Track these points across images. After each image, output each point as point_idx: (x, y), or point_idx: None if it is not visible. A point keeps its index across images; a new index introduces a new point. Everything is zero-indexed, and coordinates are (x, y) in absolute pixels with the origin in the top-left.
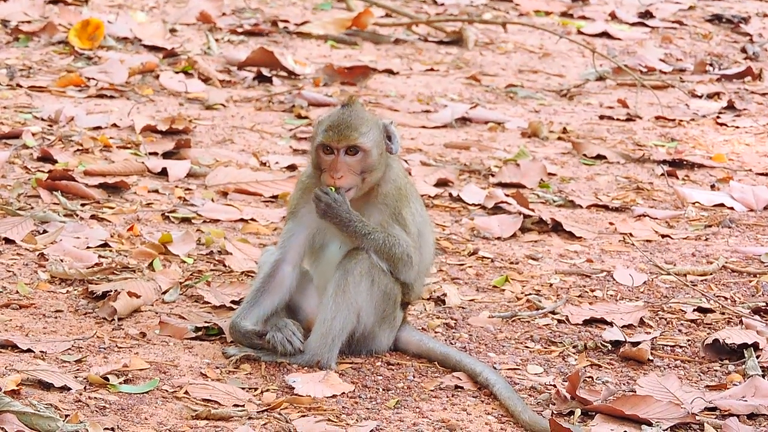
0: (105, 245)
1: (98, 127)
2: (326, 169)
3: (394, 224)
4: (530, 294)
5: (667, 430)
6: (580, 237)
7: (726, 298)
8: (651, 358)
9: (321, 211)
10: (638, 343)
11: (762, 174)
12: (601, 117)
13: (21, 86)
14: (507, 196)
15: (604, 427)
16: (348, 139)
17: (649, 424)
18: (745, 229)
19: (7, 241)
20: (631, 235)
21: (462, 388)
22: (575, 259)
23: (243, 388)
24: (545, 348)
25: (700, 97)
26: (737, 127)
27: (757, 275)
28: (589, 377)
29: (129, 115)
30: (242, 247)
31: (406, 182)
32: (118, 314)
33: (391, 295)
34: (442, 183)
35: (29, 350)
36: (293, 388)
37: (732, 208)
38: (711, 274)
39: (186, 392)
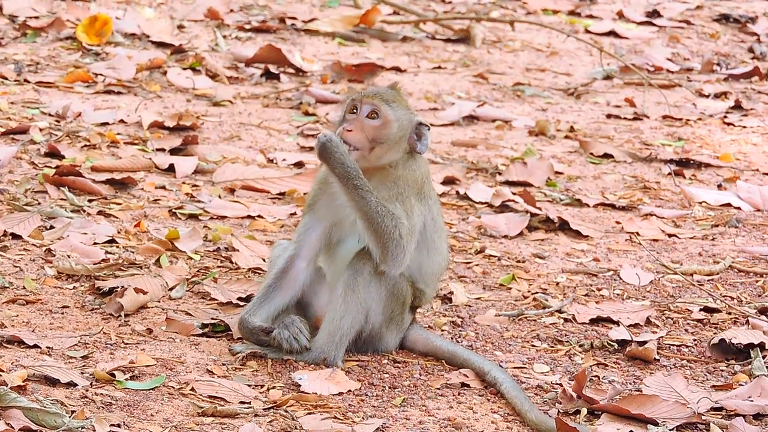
0: (112, 241)
1: (105, 123)
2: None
3: (396, 203)
4: (537, 292)
5: (673, 429)
6: (587, 236)
7: (732, 298)
8: (657, 357)
9: (317, 149)
10: (644, 342)
11: None
12: (609, 116)
13: (28, 81)
14: (514, 194)
15: (610, 427)
16: (373, 98)
17: (655, 424)
18: (752, 229)
19: (14, 236)
20: (637, 234)
21: (468, 386)
22: (582, 257)
23: (249, 385)
24: (552, 347)
25: (708, 96)
26: (744, 127)
27: (764, 275)
28: (595, 376)
29: (136, 111)
30: (249, 244)
31: (425, 181)
32: (125, 310)
33: (400, 296)
34: (449, 181)
35: (36, 346)
36: (299, 386)
37: (739, 208)
38: (717, 273)
39: (192, 389)
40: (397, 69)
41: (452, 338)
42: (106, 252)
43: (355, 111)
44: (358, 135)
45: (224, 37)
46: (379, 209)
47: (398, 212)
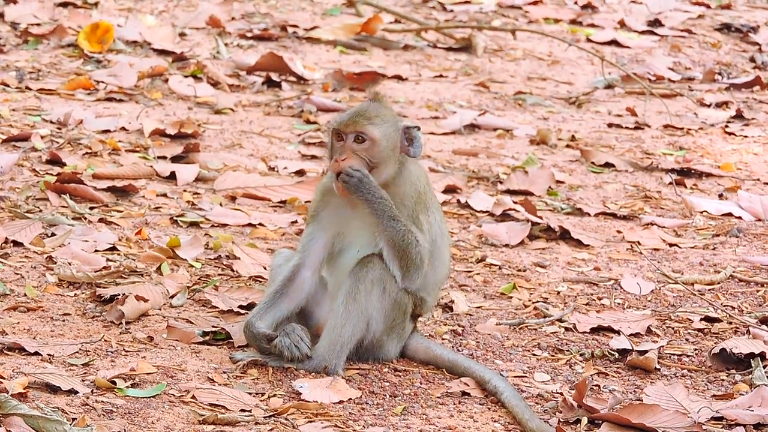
0: (113, 249)
1: (107, 131)
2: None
3: (412, 225)
4: (538, 302)
5: None
6: (588, 245)
7: (733, 308)
8: (658, 366)
9: (353, 186)
10: (645, 351)
11: None
12: (610, 125)
13: (30, 89)
14: (515, 203)
15: None
16: (356, 124)
17: None
18: (753, 239)
19: (16, 243)
20: (638, 243)
21: (469, 394)
22: (583, 267)
23: (250, 393)
24: (552, 356)
25: (709, 106)
26: (745, 137)
27: (765, 285)
28: (596, 385)
29: (138, 119)
30: (250, 252)
31: (426, 189)
32: (126, 318)
33: (401, 304)
34: (450, 189)
35: (37, 353)
36: (300, 394)
37: (740, 218)
38: (718, 283)
39: (193, 397)
40: (399, 77)
41: (453, 347)
42: (107, 259)
43: (340, 138)
44: (354, 161)
45: (226, 44)
46: (407, 236)
47: (419, 236)
